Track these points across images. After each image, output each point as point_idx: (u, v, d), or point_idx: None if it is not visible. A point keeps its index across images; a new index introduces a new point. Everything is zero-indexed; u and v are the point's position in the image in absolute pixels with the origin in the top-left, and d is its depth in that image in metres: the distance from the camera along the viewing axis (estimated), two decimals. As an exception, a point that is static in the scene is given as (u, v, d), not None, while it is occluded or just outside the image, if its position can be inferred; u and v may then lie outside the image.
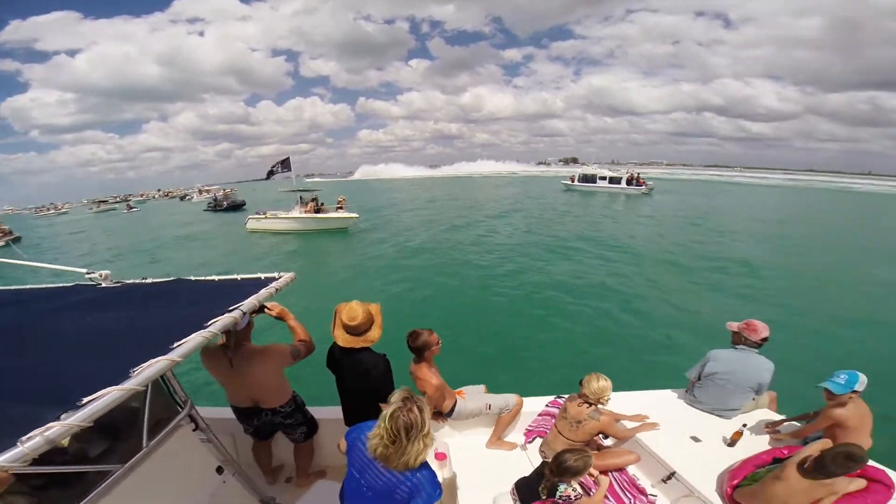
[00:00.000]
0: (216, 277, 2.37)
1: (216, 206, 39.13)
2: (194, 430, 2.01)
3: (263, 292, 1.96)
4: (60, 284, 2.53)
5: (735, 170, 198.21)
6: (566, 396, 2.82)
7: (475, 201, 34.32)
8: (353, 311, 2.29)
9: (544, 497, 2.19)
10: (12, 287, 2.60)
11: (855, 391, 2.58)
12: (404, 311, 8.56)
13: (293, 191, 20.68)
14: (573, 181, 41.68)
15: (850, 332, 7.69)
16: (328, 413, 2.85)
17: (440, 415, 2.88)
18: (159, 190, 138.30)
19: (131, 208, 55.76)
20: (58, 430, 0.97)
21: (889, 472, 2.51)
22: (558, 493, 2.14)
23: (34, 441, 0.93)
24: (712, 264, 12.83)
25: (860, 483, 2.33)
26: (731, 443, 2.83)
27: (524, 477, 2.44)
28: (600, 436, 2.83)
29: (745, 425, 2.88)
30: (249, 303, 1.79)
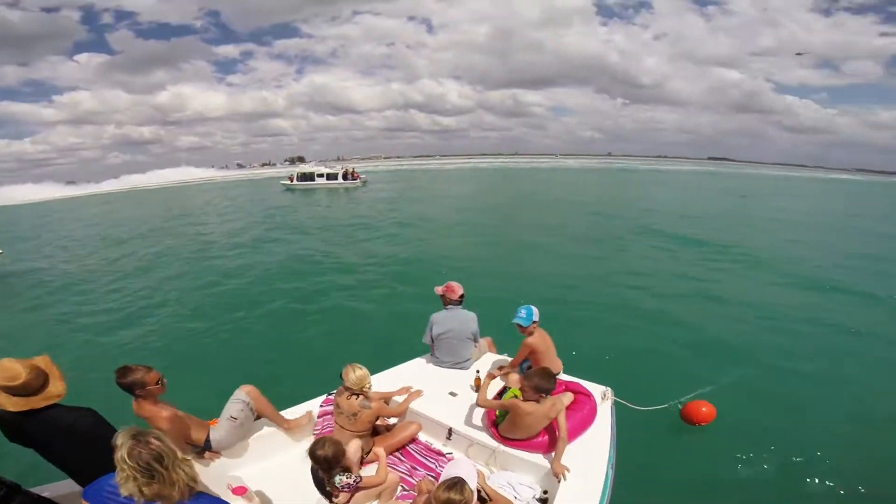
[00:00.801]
0: None
1: None
2: None
3: None
4: None
5: (435, 158, 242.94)
6: (335, 392, 2.82)
7: (179, 213, 29.08)
8: (8, 370, 1.94)
9: (329, 490, 2.29)
10: None
11: (535, 321, 3.14)
12: (99, 349, 6.99)
13: None
14: (292, 181, 41.26)
15: (517, 275, 10.14)
16: (64, 488, 2.30)
17: (202, 451, 2.61)
18: None
19: None
20: None
21: (582, 382, 3.21)
22: (336, 484, 2.25)
23: None
24: (411, 240, 15.21)
25: (570, 396, 2.97)
26: (478, 388, 3.15)
27: (313, 478, 2.41)
28: (383, 418, 2.94)
29: (478, 371, 3.36)
30: None
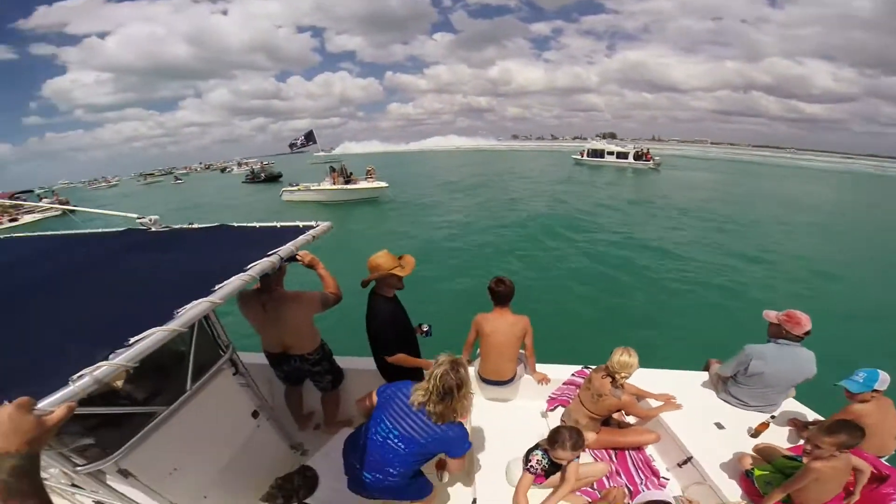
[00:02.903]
0: (257, 224, 2.34)
1: (254, 179, 40.22)
2: (234, 375, 2.06)
3: (301, 239, 1.94)
4: (113, 229, 2.53)
5: (787, 151, 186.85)
6: (593, 367, 2.71)
7: (506, 175, 34.73)
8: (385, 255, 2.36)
9: (524, 462, 2.21)
10: (69, 231, 2.68)
11: (876, 390, 2.40)
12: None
13: (320, 163, 21.51)
14: (583, 156, 42.71)
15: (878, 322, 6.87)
16: (354, 363, 2.84)
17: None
18: (201, 163, 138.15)
19: (178, 180, 59.64)
20: (106, 369, 0.95)
21: None
22: (528, 459, 2.18)
23: (84, 381, 0.91)
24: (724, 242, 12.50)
25: (862, 463, 2.11)
26: (756, 433, 2.62)
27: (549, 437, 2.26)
28: (622, 412, 2.72)
29: (773, 417, 2.67)
30: (287, 248, 1.79)
